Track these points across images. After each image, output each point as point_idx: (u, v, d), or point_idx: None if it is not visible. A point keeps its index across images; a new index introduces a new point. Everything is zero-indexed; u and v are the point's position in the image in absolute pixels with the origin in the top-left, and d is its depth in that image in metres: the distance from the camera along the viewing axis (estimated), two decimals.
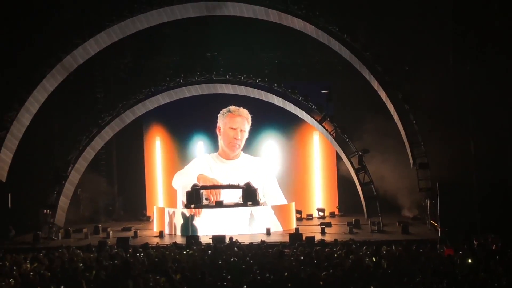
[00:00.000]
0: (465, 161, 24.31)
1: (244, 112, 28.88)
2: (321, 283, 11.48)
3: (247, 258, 15.09)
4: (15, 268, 14.39)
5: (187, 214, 24.71)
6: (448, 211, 21.28)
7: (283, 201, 28.27)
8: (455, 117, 25.31)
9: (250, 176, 27.05)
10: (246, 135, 29.14)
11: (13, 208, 24.42)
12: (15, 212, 24.60)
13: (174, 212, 25.25)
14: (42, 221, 24.79)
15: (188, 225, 24.50)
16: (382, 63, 24.50)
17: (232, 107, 28.87)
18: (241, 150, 29.45)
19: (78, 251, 17.80)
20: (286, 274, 12.41)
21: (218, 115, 29.07)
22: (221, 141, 29.33)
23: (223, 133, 29.05)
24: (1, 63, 24.67)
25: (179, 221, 24.81)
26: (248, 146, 29.91)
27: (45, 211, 24.82)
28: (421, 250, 15.99)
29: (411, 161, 23.68)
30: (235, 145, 28.96)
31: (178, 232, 24.67)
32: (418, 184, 23.65)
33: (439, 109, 25.09)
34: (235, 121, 28.90)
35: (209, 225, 24.14)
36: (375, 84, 24.59)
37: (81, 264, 14.64)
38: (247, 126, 29.03)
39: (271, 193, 28.35)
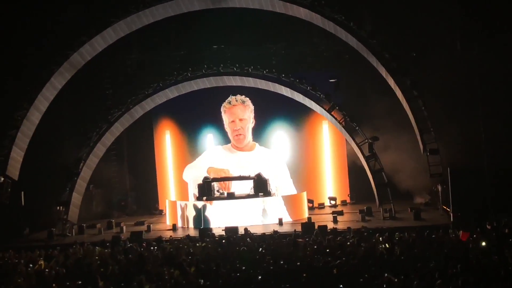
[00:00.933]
0: (476, 145, 24.25)
1: (239, 99, 29.15)
2: (335, 271, 11.52)
3: (260, 249, 15.15)
4: (30, 265, 14.52)
5: (199, 207, 24.79)
6: (460, 196, 21.22)
7: (293, 191, 28.33)
8: (465, 102, 25.21)
9: (261, 167, 27.13)
10: (249, 121, 29.29)
11: (26, 206, 24.54)
12: (28, 210, 24.73)
13: (186, 205, 25.34)
14: (56, 218, 24.92)
15: (200, 218, 24.57)
16: (389, 50, 24.40)
17: (228, 99, 29.26)
18: (256, 142, 29.60)
19: (92, 247, 17.90)
20: (299, 263, 12.46)
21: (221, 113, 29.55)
22: (229, 136, 29.67)
23: (227, 128, 29.44)
24: (10, 62, 24.72)
25: (191, 214, 24.89)
26: (259, 136, 30.03)
27: (58, 208, 24.94)
28: (433, 236, 16.00)
29: (421, 147, 23.60)
30: (238, 136, 29.18)
31: (191, 225, 24.76)
32: (429, 170, 23.56)
33: (448, 94, 24.98)
34: (232, 113, 29.30)
35: (222, 217, 24.20)
36: (383, 71, 24.51)
37: (96, 259, 14.76)
38: (247, 113, 29.25)
39: (283, 184, 28.39)
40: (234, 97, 29.13)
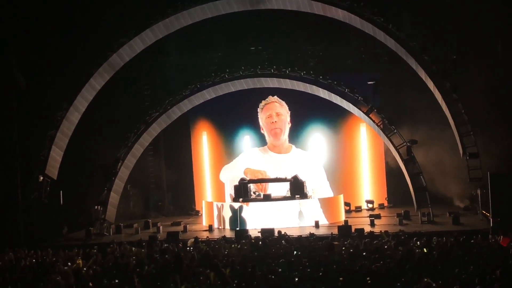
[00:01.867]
0: None
1: (274, 98, 29.38)
2: (372, 275, 11.41)
3: (296, 252, 15.10)
4: (68, 264, 14.67)
5: (235, 208, 24.81)
6: (499, 201, 20.90)
7: (329, 194, 28.22)
8: (505, 106, 24.83)
9: (298, 169, 27.09)
10: (286, 119, 29.44)
11: (65, 205, 24.84)
12: (67, 209, 25.03)
13: (222, 206, 25.39)
14: (94, 218, 25.19)
15: (236, 219, 24.60)
16: (429, 52, 24.14)
17: (264, 100, 29.30)
18: (293, 144, 29.60)
19: (130, 246, 18.03)
20: (335, 266, 12.37)
21: (258, 115, 29.64)
22: (266, 135, 29.62)
23: (264, 126, 29.56)
24: (50, 64, 25.05)
25: (227, 215, 24.93)
26: (295, 139, 30.03)
27: (96, 207, 25.20)
28: (473, 241, 15.77)
29: (461, 151, 23.30)
30: (275, 130, 29.33)
31: (227, 226, 24.80)
32: (469, 174, 23.26)
33: (488, 98, 24.63)
34: (268, 109, 29.57)
35: (258, 218, 24.21)
36: (422, 74, 24.25)
37: (132, 259, 14.84)
38: (283, 110, 29.48)
39: (319, 186, 28.29)
40: (270, 96, 29.23)
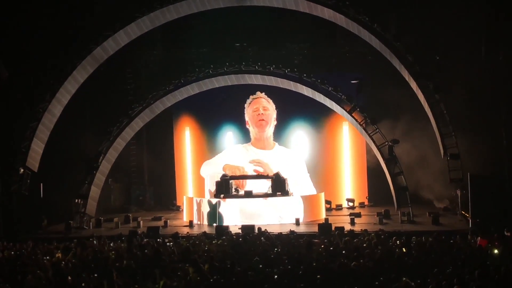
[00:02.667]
0: (497, 152, 24.05)
1: (262, 94, 29.42)
2: (351, 273, 11.45)
3: (276, 249, 15.11)
4: (47, 257, 14.59)
5: (214, 203, 24.80)
6: (479, 202, 21.06)
7: (312, 191, 28.28)
8: (487, 108, 24.99)
9: (280, 166, 27.14)
10: (272, 114, 29.43)
11: (45, 198, 24.71)
12: (47, 202, 24.89)
13: (201, 201, 25.39)
14: (74, 211, 25.08)
15: (215, 215, 24.58)
16: (413, 53, 24.25)
17: (252, 96, 29.40)
18: (275, 141, 29.64)
19: (109, 240, 17.96)
20: (314, 264, 12.40)
21: (245, 111, 29.62)
22: (251, 130, 29.66)
23: (250, 119, 29.59)
24: (33, 55, 24.89)
25: (206, 210, 24.92)
26: (278, 136, 30.05)
27: (76, 201, 25.08)
28: (452, 241, 15.86)
29: (442, 152, 23.44)
30: (261, 122, 29.30)
31: (206, 222, 24.78)
32: (449, 175, 23.41)
33: (470, 100, 24.79)
34: (256, 103, 29.61)
35: (238, 215, 24.22)
36: (406, 74, 24.36)
37: (112, 254, 14.79)
38: (270, 106, 29.50)
39: (301, 184, 28.33)
40: (259, 92, 29.25)
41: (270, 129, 29.61)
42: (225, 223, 23.47)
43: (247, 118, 29.80)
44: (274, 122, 29.66)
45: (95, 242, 17.62)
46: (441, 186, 25.51)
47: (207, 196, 27.83)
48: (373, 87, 28.55)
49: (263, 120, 29.35)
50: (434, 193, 26.98)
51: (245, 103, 29.69)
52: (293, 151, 30.04)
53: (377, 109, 26.65)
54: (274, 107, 29.56)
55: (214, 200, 24.94)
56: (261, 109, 29.34)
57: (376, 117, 25.26)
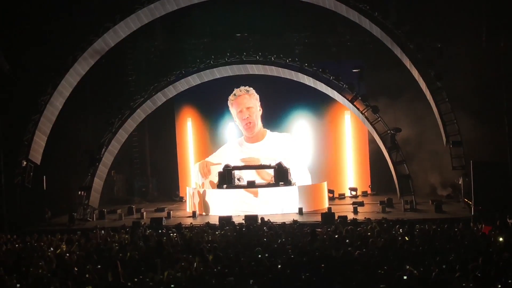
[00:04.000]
0: (499, 139, 24.01)
1: (243, 89, 29.21)
2: (355, 262, 11.47)
3: (279, 239, 15.13)
4: (51, 249, 14.63)
5: (218, 194, 24.83)
6: (482, 189, 21.02)
7: (306, 173, 28.34)
8: (489, 95, 24.95)
9: (273, 154, 27.18)
10: (256, 109, 29.25)
11: (48, 190, 24.73)
12: (50, 194, 24.91)
13: (204, 192, 25.44)
14: (77, 203, 25.14)
15: (219, 205, 24.63)
16: (414, 40, 24.19)
17: (233, 92, 29.35)
18: (268, 129, 29.58)
19: (113, 232, 18.00)
20: (317, 253, 12.42)
21: (228, 103, 29.62)
22: (240, 128, 29.66)
23: (236, 120, 29.57)
24: (35, 48, 24.86)
25: (210, 201, 24.96)
26: (280, 125, 30.03)
27: (79, 192, 25.12)
28: (456, 229, 15.88)
29: (444, 139, 23.43)
30: (249, 125, 29.20)
31: (210, 212, 24.81)
32: (452, 162, 23.40)
33: (472, 87, 24.76)
34: (238, 104, 29.31)
35: (241, 205, 24.26)
36: (407, 62, 24.32)
37: (115, 245, 14.83)
38: (253, 101, 29.28)
39: (295, 166, 28.14)
40: (237, 89, 29.13)
41: (258, 125, 29.54)
42: (228, 214, 23.48)
43: (233, 116, 29.73)
44: (260, 113, 29.47)
45: (101, 232, 17.65)
46: (444, 173, 25.52)
47: (193, 185, 28.38)
48: (375, 75, 28.47)
49: (249, 122, 29.21)
50: (437, 181, 26.98)
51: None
52: (285, 135, 29.91)
53: (379, 97, 26.61)
54: (257, 97, 29.30)
55: (218, 191, 24.94)
56: (245, 110, 29.10)
57: (378, 106, 25.22)
